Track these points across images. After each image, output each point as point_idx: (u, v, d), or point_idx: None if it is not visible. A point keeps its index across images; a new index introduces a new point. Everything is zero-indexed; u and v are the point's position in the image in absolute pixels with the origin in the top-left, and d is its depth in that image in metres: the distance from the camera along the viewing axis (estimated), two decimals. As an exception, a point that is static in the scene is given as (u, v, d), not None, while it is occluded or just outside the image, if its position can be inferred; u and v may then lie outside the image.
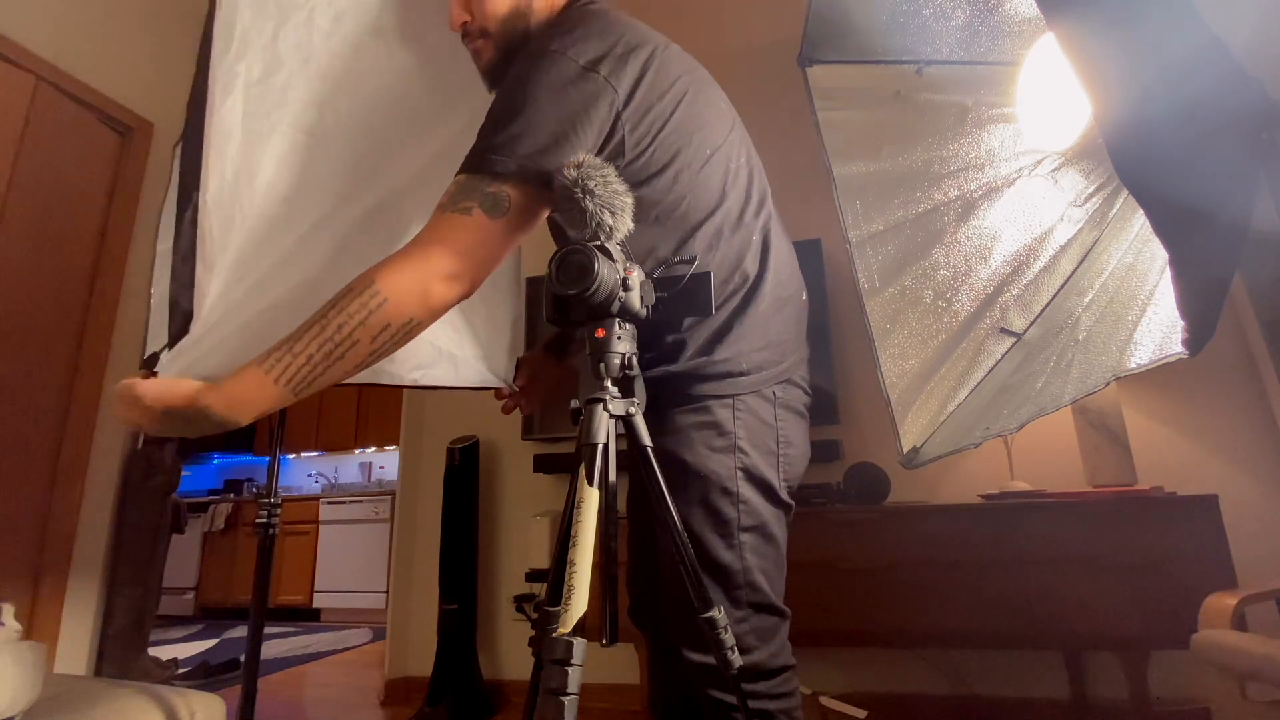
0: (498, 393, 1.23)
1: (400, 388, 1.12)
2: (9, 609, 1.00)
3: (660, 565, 0.90)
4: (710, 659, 0.79)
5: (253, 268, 0.94)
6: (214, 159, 0.89)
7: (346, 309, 0.74)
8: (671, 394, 0.88)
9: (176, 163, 0.91)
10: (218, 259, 0.89)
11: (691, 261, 0.87)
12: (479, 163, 0.80)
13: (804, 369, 0.97)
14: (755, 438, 0.87)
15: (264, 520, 1.38)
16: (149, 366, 0.96)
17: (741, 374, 0.87)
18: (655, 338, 0.89)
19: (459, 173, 0.82)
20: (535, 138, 0.79)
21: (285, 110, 0.99)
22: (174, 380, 0.77)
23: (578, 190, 0.69)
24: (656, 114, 0.87)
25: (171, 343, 0.81)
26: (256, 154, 0.95)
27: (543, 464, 2.62)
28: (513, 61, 0.90)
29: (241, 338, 0.89)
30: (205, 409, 0.74)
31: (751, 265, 0.91)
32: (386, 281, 0.76)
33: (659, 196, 0.88)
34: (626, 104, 0.85)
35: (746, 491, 0.86)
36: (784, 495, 0.90)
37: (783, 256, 0.97)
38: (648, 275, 0.83)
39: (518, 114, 0.81)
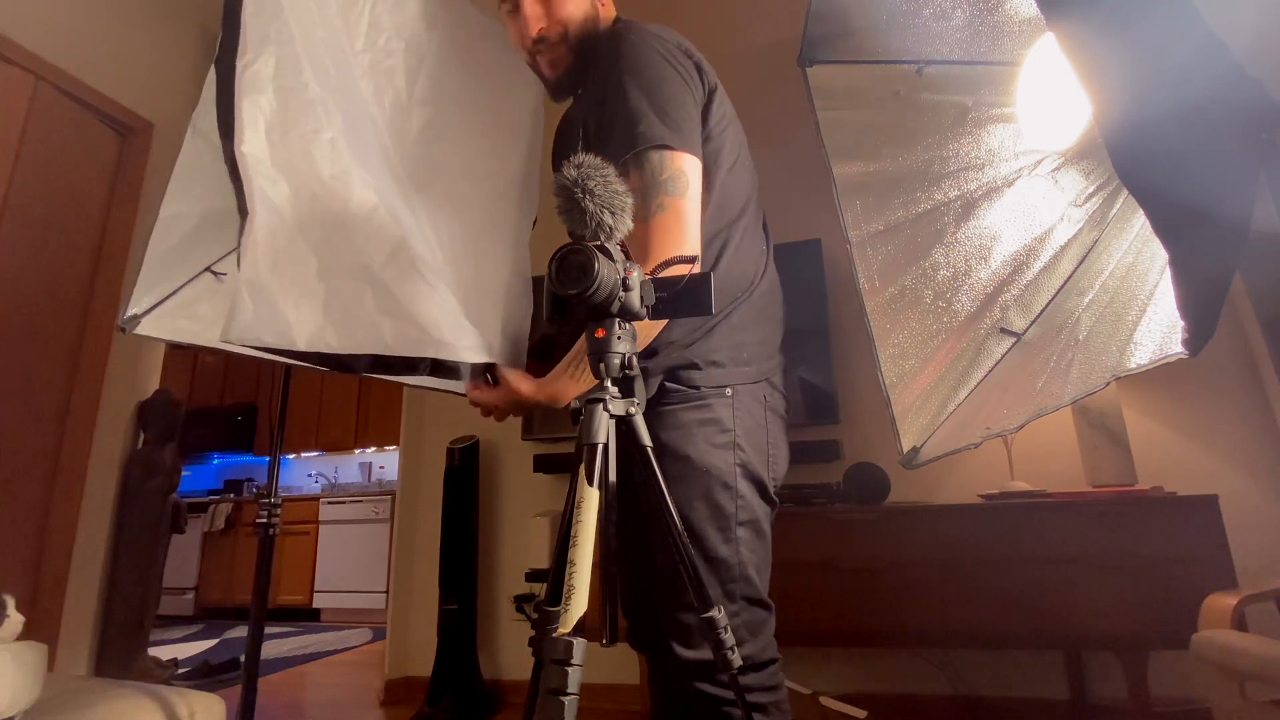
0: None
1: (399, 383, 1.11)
2: (11, 601, 1.00)
3: (655, 566, 0.90)
4: (700, 655, 0.81)
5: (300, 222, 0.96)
6: (248, 109, 0.89)
7: None
8: (675, 386, 0.89)
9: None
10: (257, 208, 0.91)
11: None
12: (639, 152, 0.84)
13: (781, 375, 1.01)
14: (751, 437, 0.90)
15: (264, 520, 1.38)
16: (130, 328, 0.96)
17: (744, 363, 0.90)
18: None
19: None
20: (670, 106, 0.85)
21: (318, 71, 1.00)
22: (526, 380, 0.90)
23: (578, 190, 0.69)
24: (715, 105, 0.95)
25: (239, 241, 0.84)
26: (291, 108, 0.95)
27: (543, 464, 2.62)
28: (585, 71, 0.97)
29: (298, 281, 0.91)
30: (551, 398, 0.89)
31: (762, 260, 0.97)
32: None
33: (713, 185, 0.93)
34: (704, 88, 0.93)
35: (744, 487, 0.88)
36: (772, 493, 0.93)
37: (771, 261, 1.03)
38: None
39: (645, 87, 0.86)
